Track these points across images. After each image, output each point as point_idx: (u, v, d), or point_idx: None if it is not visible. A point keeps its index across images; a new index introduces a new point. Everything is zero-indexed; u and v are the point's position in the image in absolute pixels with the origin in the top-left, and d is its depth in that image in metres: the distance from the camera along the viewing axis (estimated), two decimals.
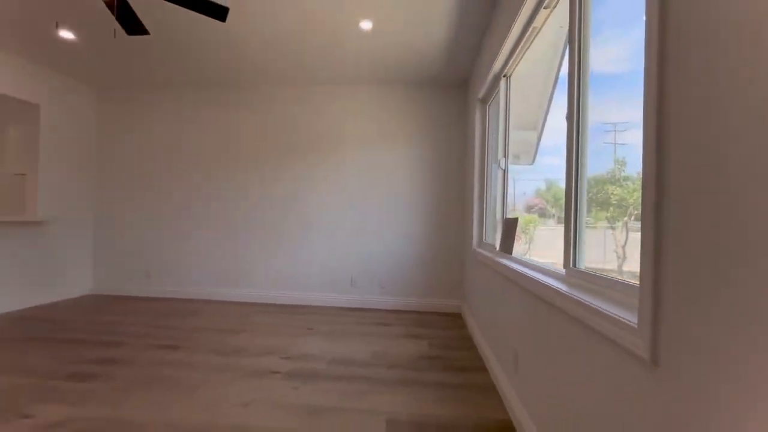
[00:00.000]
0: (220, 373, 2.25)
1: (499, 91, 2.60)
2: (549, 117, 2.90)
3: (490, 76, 2.61)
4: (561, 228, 1.47)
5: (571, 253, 1.37)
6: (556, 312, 1.31)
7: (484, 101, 3.12)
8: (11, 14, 2.77)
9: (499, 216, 2.61)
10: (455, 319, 3.57)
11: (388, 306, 3.89)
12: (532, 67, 2.51)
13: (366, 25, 2.77)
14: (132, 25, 2.27)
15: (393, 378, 2.25)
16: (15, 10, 2.72)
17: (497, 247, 2.48)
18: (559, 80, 2.49)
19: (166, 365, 2.35)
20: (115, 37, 2.85)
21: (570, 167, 1.38)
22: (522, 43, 2.10)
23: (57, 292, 3.99)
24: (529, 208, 3.02)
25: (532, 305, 1.58)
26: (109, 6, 2.08)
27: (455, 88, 3.88)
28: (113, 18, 2.67)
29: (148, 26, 2.69)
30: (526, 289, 1.64)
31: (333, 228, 3.99)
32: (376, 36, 2.95)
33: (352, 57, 3.34)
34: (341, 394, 2.02)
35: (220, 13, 2.18)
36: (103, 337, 2.85)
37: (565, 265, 1.40)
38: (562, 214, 1.45)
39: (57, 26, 2.56)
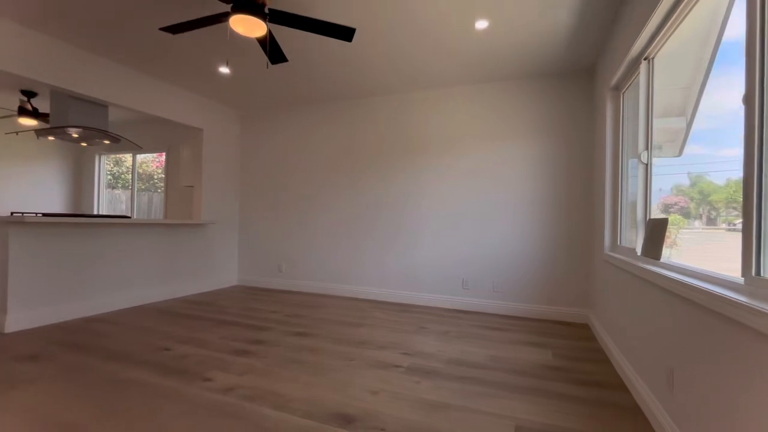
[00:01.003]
0: (348, 361, 2.47)
1: (638, 76, 2.31)
2: (703, 99, 2.48)
3: (627, 60, 2.34)
4: (709, 231, 1.27)
5: (753, 259, 1.16)
6: (733, 327, 1.12)
7: (618, 89, 2.80)
8: (185, 58, 3.48)
9: (640, 216, 2.32)
10: (582, 330, 3.27)
11: (501, 310, 3.76)
12: (680, 47, 2.17)
13: (481, 24, 2.74)
14: (276, 55, 2.65)
15: (515, 384, 2.17)
16: (188, 55, 3.41)
17: (639, 251, 2.20)
18: (722, 52, 2.11)
19: (302, 350, 2.66)
20: (267, 68, 3.34)
21: (750, 158, 1.17)
22: (674, 18, 1.84)
23: (213, 282, 4.84)
24: (666, 208, 2.61)
25: (696, 318, 1.37)
26: (262, 43, 2.47)
27: (578, 78, 3.57)
28: (260, 53, 3.15)
29: (285, 54, 3.10)
30: (688, 300, 1.43)
31: (445, 229, 4.03)
32: (491, 34, 2.90)
33: (463, 58, 3.33)
34: (463, 394, 2.04)
35: (347, 34, 2.40)
36: (251, 321, 3.36)
37: (745, 273, 1.19)
38: (713, 214, 1.25)
39: (227, 64, 3.09)
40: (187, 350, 2.61)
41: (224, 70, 3.68)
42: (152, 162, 6.51)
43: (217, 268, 4.89)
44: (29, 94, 4.64)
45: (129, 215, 5.77)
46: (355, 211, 4.48)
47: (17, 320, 2.96)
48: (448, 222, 4.01)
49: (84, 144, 4.32)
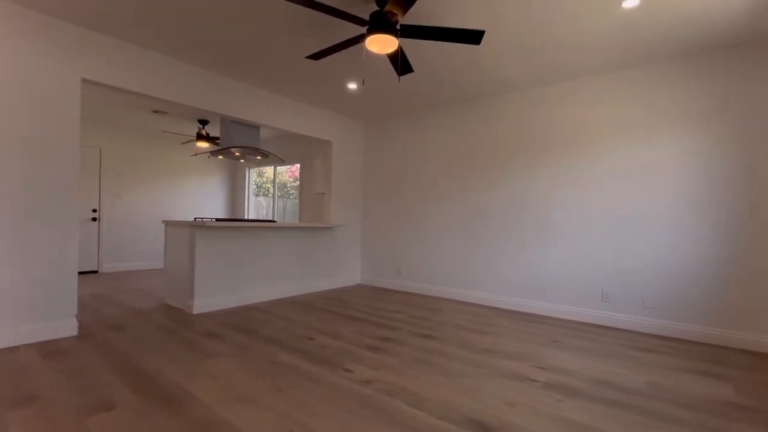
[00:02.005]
0: (476, 368, 2.42)
1: None
2: None
3: None
4: None
5: None
6: None
7: None
8: (320, 79, 3.89)
9: None
10: None
11: (655, 329, 3.23)
12: None
13: (630, 3, 2.43)
14: (404, 67, 2.77)
15: (683, 419, 1.84)
16: (322, 76, 3.80)
17: None
18: None
19: (429, 351, 2.71)
20: (399, 81, 3.55)
21: None
22: None
23: (340, 281, 5.28)
24: None
25: None
26: (392, 58, 2.62)
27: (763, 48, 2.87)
28: (385, 66, 3.34)
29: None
30: None
31: (580, 234, 3.65)
32: (642, 10, 2.54)
33: (604, 44, 2.99)
34: (618, 421, 1.81)
35: (476, 38, 2.38)
36: (378, 319, 3.57)
37: None
38: None
39: (363, 83, 3.36)
40: (326, 341, 2.90)
41: (352, 86, 4.01)
42: (286, 172, 7.45)
43: (343, 268, 5.33)
44: (203, 122, 5.78)
45: (274, 220, 6.70)
46: (472, 215, 4.40)
47: (200, 305, 3.69)
48: (586, 226, 3.63)
49: (242, 160, 5.18)
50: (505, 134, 4.16)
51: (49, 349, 2.60)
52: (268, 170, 7.60)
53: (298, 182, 7.00)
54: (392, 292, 4.90)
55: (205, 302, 3.72)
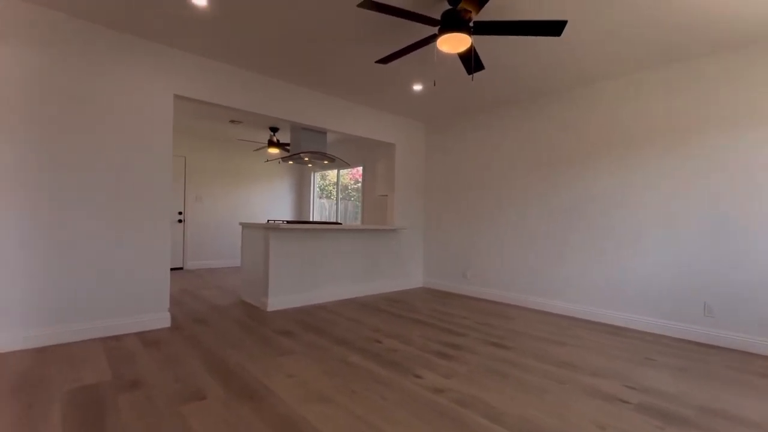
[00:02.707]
0: (559, 383, 2.25)
1: None
2: None
3: None
4: None
5: None
6: None
7: None
8: (384, 82, 3.90)
9: None
10: None
11: None
12: None
13: None
14: (477, 66, 2.67)
15: None
16: (386, 79, 3.81)
17: None
18: None
19: (502, 361, 2.58)
20: (472, 80, 3.46)
21: None
22: None
23: (403, 283, 5.27)
24: None
25: None
26: (463, 57, 2.54)
27: None
28: (453, 64, 3.25)
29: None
30: None
31: (675, 238, 3.26)
32: None
33: (699, 20, 2.64)
34: None
35: (557, 29, 2.22)
36: (444, 324, 3.48)
37: None
38: None
39: (435, 84, 3.32)
40: (394, 345, 2.88)
41: (418, 87, 3.98)
42: (347, 175, 7.62)
43: (406, 270, 5.31)
44: (274, 130, 6.12)
45: (340, 222, 6.90)
46: (544, 218, 4.13)
47: (274, 302, 3.89)
48: (682, 230, 3.23)
49: (309, 165, 5.39)
50: (581, 131, 3.84)
51: (148, 339, 2.90)
52: (331, 173, 7.84)
53: (358, 184, 7.14)
54: (456, 296, 4.78)
55: (278, 300, 3.92)
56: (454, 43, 2.28)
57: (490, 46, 3.00)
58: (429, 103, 4.55)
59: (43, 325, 2.69)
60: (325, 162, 4.98)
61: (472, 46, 2.42)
